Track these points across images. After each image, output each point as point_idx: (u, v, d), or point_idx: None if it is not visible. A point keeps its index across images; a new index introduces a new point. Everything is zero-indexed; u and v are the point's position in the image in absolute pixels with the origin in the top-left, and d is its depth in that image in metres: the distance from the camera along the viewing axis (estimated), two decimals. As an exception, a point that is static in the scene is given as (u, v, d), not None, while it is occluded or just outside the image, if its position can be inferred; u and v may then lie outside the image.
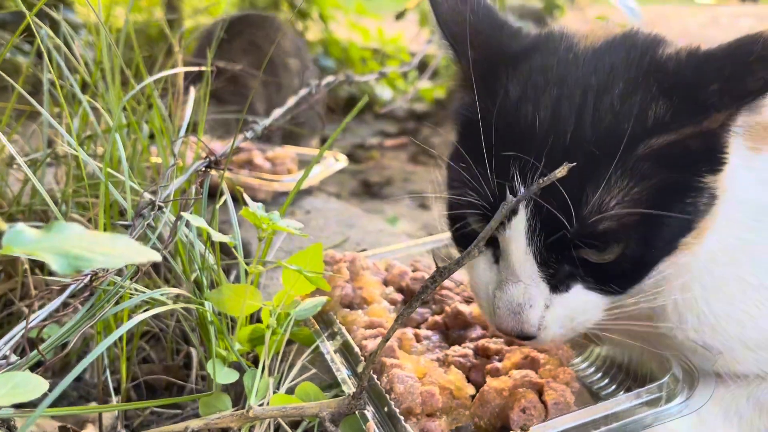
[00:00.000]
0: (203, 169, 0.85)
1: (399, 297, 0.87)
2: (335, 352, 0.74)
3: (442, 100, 3.81)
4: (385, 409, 0.64)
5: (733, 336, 0.67)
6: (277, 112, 1.03)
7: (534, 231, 0.58)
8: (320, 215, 1.32)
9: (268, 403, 0.67)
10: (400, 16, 2.77)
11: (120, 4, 4.62)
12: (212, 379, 0.69)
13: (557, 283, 0.61)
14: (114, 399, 0.81)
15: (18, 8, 0.89)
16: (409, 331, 0.79)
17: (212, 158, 0.84)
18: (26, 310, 0.85)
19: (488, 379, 0.69)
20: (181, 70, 1.02)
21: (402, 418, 0.63)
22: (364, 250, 1.01)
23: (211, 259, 0.78)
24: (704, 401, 0.63)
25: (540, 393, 0.67)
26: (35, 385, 0.45)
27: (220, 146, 1.43)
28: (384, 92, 3.85)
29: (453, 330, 0.82)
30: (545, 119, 0.59)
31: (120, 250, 0.38)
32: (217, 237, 0.69)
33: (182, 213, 0.70)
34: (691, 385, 0.64)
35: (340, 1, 4.23)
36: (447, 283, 0.91)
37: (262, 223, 0.71)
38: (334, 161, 1.47)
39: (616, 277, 0.61)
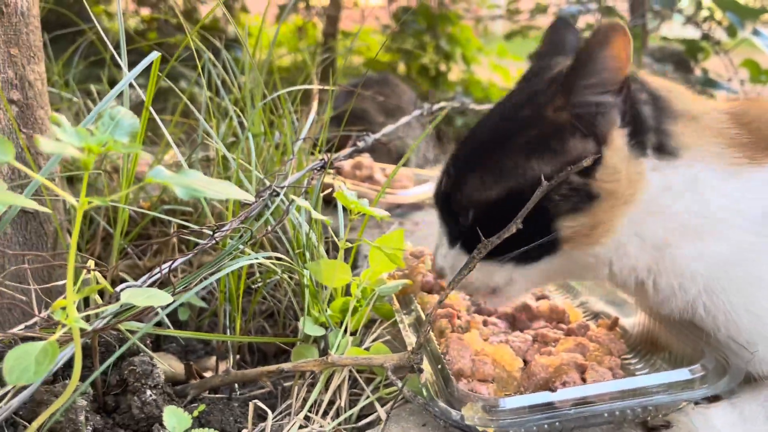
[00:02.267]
0: (318, 168, 1.01)
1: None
2: (409, 325, 0.86)
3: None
4: (439, 367, 0.75)
5: (757, 333, 0.72)
6: (388, 128, 1.18)
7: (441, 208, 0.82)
8: (427, 227, 1.45)
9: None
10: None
11: (283, 45, 5.09)
12: (305, 333, 0.83)
13: (451, 242, 0.81)
14: (231, 357, 0.98)
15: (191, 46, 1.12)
16: (479, 317, 0.89)
17: (324, 161, 1.00)
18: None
19: (537, 356, 0.78)
20: (301, 87, 1.19)
21: (454, 378, 0.73)
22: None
23: (314, 237, 0.93)
24: (733, 393, 0.68)
25: (583, 372, 0.75)
26: (162, 297, 0.61)
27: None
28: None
29: (520, 320, 0.91)
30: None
31: (223, 189, 0.53)
32: (315, 215, 0.83)
33: (293, 197, 0.85)
34: (720, 375, 0.69)
35: (483, 43, 4.40)
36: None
37: (350, 204, 0.85)
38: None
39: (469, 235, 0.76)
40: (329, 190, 1.35)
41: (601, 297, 0.99)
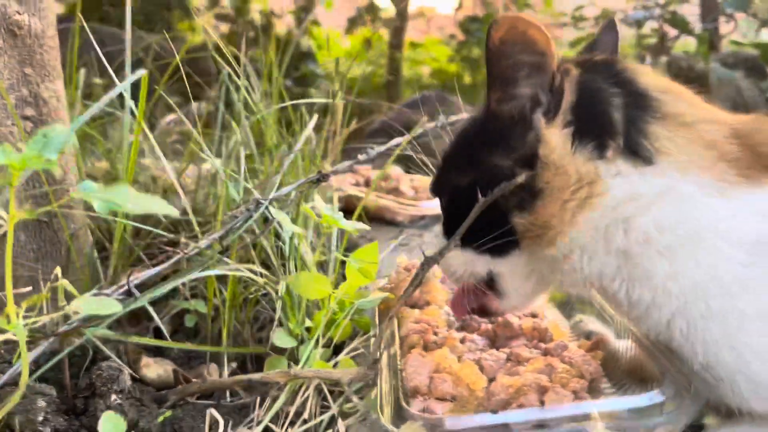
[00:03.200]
0: (314, 181, 1.02)
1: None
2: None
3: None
4: (395, 383, 0.75)
5: (735, 368, 0.67)
6: (396, 141, 1.18)
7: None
8: (447, 239, 1.43)
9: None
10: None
11: (354, 57, 5.18)
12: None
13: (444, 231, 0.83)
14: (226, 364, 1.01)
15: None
16: (457, 334, 0.88)
17: (321, 173, 1.01)
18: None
19: (499, 376, 0.76)
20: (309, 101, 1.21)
21: (409, 395, 0.73)
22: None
23: (303, 249, 0.94)
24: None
25: (543, 395, 0.72)
26: (110, 305, 0.64)
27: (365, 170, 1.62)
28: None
29: (500, 338, 0.89)
30: None
31: (145, 204, 0.56)
32: (290, 227, 0.85)
33: (274, 209, 0.87)
34: (679, 404, 0.65)
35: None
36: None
37: (324, 219, 0.86)
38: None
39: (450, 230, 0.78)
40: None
41: (596, 316, 0.96)
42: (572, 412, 0.66)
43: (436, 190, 0.84)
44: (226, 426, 0.77)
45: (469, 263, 0.79)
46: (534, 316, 0.95)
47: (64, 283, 0.69)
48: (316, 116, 1.18)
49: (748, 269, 0.66)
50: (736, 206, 0.67)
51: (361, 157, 1.13)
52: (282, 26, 5.23)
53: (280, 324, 0.88)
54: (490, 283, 0.80)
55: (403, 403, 0.71)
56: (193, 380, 0.92)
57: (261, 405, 0.87)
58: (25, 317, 0.61)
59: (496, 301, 0.82)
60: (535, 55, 0.68)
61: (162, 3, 4.95)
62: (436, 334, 0.87)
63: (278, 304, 0.87)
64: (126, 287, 0.76)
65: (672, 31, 2.74)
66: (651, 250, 0.69)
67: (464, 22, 4.34)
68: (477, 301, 0.84)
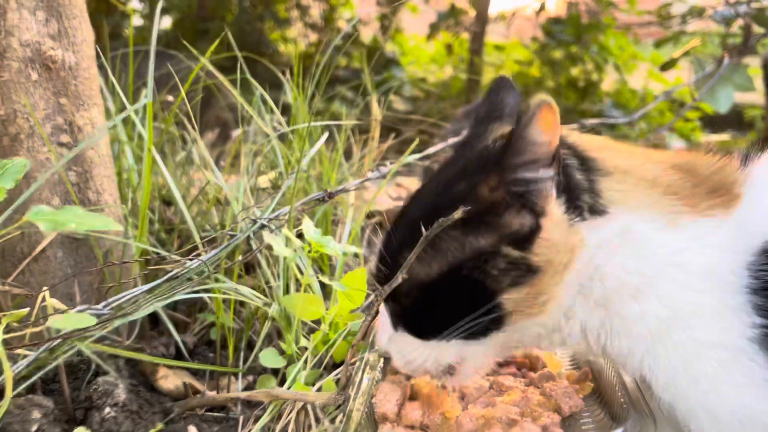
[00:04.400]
0: (320, 199, 1.05)
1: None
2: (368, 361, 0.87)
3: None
4: (366, 410, 0.76)
5: (695, 400, 0.64)
6: (412, 157, 1.18)
7: None
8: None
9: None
10: (667, 66, 2.65)
11: (437, 62, 5.18)
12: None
13: (395, 324, 0.76)
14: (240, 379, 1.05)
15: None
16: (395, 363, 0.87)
17: (327, 192, 1.03)
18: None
19: (471, 407, 0.75)
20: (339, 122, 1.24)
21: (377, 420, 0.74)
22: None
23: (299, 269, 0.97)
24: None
25: (511, 428, 0.71)
26: (86, 320, 0.69)
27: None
28: (673, 143, 3.64)
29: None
30: None
31: (90, 222, 0.60)
32: (281, 251, 0.88)
33: (267, 231, 0.90)
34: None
35: (639, 50, 4.14)
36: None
37: (311, 244, 0.88)
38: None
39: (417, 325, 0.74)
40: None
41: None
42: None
43: (392, 297, 0.75)
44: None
45: (436, 354, 0.74)
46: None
47: (52, 302, 0.75)
48: (326, 134, 1.20)
49: (701, 297, 0.66)
50: (686, 237, 0.68)
51: (371, 174, 1.14)
52: (368, 33, 5.32)
53: (270, 343, 0.91)
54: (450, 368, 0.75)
55: (383, 428, 0.73)
56: (199, 394, 0.97)
57: (255, 421, 0.91)
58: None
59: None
60: (550, 137, 0.67)
61: (255, 15, 5.15)
62: (425, 359, 0.87)
63: (266, 324, 0.90)
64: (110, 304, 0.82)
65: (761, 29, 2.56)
66: (624, 295, 0.69)
67: (546, 24, 4.23)
68: None
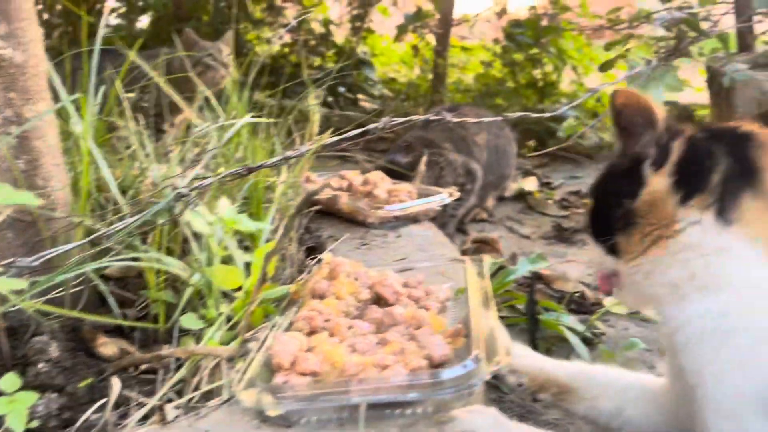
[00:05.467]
0: (240, 175, 1.16)
1: (368, 296, 1.08)
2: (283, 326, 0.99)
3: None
4: (262, 359, 0.88)
5: (710, 394, 0.83)
6: (328, 140, 1.31)
7: None
8: (407, 240, 1.55)
9: (210, 347, 0.95)
10: (605, 66, 2.81)
11: (408, 63, 5.29)
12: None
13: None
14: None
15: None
16: (345, 321, 1.00)
17: (247, 168, 1.14)
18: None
19: (352, 355, 0.88)
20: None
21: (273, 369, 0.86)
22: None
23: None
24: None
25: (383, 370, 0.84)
26: (17, 283, 0.80)
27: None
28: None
29: (384, 325, 1.00)
30: None
31: (14, 197, 0.72)
32: (196, 226, 0.99)
33: (188, 203, 1.02)
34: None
35: (595, 52, 4.29)
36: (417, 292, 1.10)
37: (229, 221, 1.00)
38: (447, 197, 1.70)
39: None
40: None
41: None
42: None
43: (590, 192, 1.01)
44: (132, 391, 0.92)
45: (601, 257, 0.96)
46: (426, 309, 1.05)
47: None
48: (247, 118, 1.31)
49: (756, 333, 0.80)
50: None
51: (290, 153, 1.25)
52: (341, 35, 5.44)
53: (193, 309, 1.02)
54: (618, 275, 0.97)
55: (276, 376, 0.85)
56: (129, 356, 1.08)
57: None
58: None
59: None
60: (644, 119, 0.87)
61: (231, 15, 5.23)
62: (327, 321, 0.99)
63: (187, 291, 1.02)
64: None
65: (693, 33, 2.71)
66: (690, 288, 0.84)
67: (508, 27, 4.37)
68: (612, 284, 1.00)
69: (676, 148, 0.87)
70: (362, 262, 1.42)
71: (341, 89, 4.87)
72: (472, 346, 0.86)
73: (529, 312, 1.69)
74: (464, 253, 2.36)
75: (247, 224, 1.01)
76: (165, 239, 1.07)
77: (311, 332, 0.97)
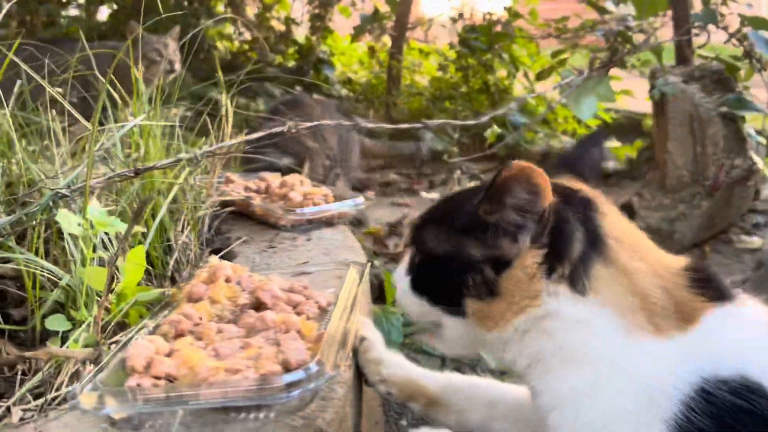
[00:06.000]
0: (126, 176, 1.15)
1: (248, 301, 1.09)
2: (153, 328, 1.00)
3: (633, 159, 3.70)
4: (117, 362, 0.88)
5: None
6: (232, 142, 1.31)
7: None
8: (315, 243, 1.55)
9: (74, 349, 0.95)
10: (542, 75, 2.85)
11: (365, 64, 5.29)
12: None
13: (408, 269, 0.96)
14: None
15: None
16: (215, 325, 1.00)
17: (135, 169, 1.14)
18: None
19: (207, 360, 0.88)
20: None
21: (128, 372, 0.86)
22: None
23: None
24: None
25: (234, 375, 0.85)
26: None
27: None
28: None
29: (254, 330, 1.00)
30: None
31: None
32: (68, 227, 0.99)
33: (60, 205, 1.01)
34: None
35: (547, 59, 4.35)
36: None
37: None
38: (363, 201, 1.72)
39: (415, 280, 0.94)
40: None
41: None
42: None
43: (415, 241, 0.96)
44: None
45: (424, 310, 0.93)
46: (299, 313, 1.06)
47: None
48: (140, 118, 1.31)
49: (631, 409, 0.77)
50: (637, 350, 0.79)
51: (182, 155, 1.25)
52: (302, 33, 5.43)
53: (67, 311, 1.02)
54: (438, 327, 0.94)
55: (97, 379, 0.85)
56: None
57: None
58: None
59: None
60: (533, 195, 0.80)
61: (191, 10, 5.18)
62: (197, 325, 1.00)
63: (55, 292, 1.01)
64: None
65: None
66: (555, 359, 0.83)
67: (462, 32, 4.41)
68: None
69: (549, 219, 0.83)
70: (266, 265, 1.44)
71: (297, 88, 4.86)
72: (321, 350, 0.87)
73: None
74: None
75: (118, 226, 1.00)
76: (41, 240, 1.06)
77: (178, 336, 0.97)
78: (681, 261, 0.87)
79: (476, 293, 0.85)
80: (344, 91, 5.23)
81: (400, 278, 0.97)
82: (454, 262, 0.86)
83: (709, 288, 0.83)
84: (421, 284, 0.93)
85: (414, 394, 1.04)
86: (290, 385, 0.80)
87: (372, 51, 4.92)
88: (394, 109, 4.52)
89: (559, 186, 0.85)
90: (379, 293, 1.87)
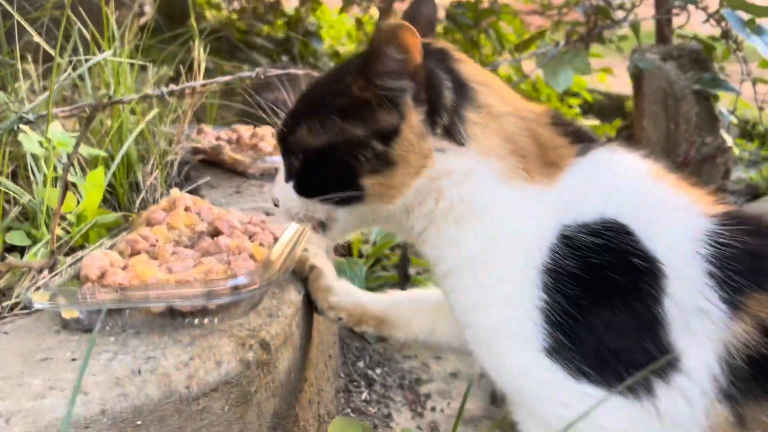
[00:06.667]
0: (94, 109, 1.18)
1: (206, 229, 1.13)
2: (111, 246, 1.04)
3: (612, 139, 3.75)
4: (72, 271, 0.92)
5: (482, 339, 0.84)
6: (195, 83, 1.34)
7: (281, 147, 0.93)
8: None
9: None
10: (520, 47, 2.88)
11: (353, 36, 5.29)
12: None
13: (287, 177, 0.91)
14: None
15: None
16: (171, 247, 1.04)
17: (98, 103, 1.17)
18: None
19: (159, 273, 0.93)
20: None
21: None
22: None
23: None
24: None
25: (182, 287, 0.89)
26: None
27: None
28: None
29: (209, 253, 1.05)
30: None
31: None
32: (29, 148, 1.02)
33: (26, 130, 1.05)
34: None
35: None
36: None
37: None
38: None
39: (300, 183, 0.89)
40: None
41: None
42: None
43: (286, 145, 0.91)
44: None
45: (311, 209, 0.90)
46: (254, 241, 1.10)
47: None
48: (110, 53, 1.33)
49: (510, 254, 0.80)
50: (514, 197, 0.81)
51: (151, 91, 1.28)
52: (291, 4, 5.42)
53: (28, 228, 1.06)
54: (322, 222, 0.92)
55: (84, 286, 0.89)
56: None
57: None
58: None
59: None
60: (404, 53, 0.78)
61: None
62: (153, 246, 1.04)
63: (15, 210, 1.05)
64: None
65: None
66: (449, 218, 0.84)
67: (450, 7, 4.42)
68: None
69: (423, 74, 0.81)
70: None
71: (284, 58, 4.87)
72: (262, 265, 0.92)
73: (401, 270, 1.77)
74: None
75: (85, 150, 1.04)
76: (6, 161, 1.10)
77: (133, 254, 1.01)
78: (542, 106, 0.89)
79: (372, 169, 0.82)
80: (332, 64, 5.24)
81: (281, 190, 0.92)
82: (341, 149, 0.83)
83: (571, 130, 0.85)
84: (307, 185, 0.88)
85: (363, 317, 1.08)
86: (233, 288, 0.84)
87: (359, 23, 4.92)
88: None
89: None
90: (348, 249, 1.92)
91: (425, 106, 0.82)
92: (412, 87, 0.81)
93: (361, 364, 1.56)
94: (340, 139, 0.84)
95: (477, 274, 0.82)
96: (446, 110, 0.82)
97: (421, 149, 0.82)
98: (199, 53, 1.64)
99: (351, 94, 0.83)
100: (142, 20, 2.80)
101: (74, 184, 1.11)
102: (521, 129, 0.84)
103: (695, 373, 0.72)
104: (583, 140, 0.85)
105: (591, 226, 0.77)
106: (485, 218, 0.82)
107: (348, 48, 5.49)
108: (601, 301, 0.75)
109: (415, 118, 0.81)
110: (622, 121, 3.78)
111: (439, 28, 4.57)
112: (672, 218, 0.79)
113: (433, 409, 1.43)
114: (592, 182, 0.82)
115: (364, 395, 1.45)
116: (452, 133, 0.82)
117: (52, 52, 1.15)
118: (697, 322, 0.72)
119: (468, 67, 0.86)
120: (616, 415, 0.74)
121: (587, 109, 4.41)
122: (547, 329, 0.76)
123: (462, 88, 0.83)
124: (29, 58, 1.56)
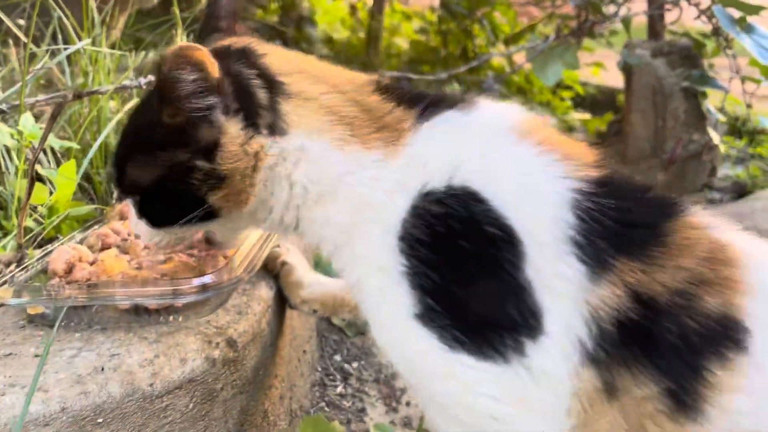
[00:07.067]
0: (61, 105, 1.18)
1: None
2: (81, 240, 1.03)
3: (603, 132, 3.75)
4: (40, 266, 0.92)
5: (368, 307, 0.82)
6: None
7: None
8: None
9: (2, 254, 0.98)
10: (510, 39, 2.88)
11: (346, 23, 5.27)
12: None
13: (138, 213, 0.89)
14: None
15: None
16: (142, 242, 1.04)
17: (74, 93, 1.16)
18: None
19: (129, 270, 0.93)
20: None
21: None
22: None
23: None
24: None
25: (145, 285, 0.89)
26: None
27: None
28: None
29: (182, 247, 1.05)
30: None
31: None
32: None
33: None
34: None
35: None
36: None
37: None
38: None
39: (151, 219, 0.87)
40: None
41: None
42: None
43: (123, 189, 0.90)
44: None
45: (176, 233, 0.89)
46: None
47: None
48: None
49: (369, 225, 0.80)
50: (351, 163, 0.81)
51: (127, 82, 1.27)
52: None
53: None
54: (207, 237, 0.94)
55: (52, 281, 0.89)
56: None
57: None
58: None
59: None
60: (199, 72, 0.78)
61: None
62: (125, 240, 1.04)
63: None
64: None
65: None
66: (309, 200, 0.84)
67: (444, -4, 4.40)
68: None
69: (228, 86, 0.81)
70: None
71: (278, 43, 4.84)
72: (229, 264, 0.92)
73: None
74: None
75: (54, 142, 1.03)
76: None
77: (104, 248, 1.01)
78: (366, 76, 0.88)
79: (210, 186, 0.82)
80: (325, 51, 5.21)
81: (138, 228, 0.90)
82: (173, 178, 0.82)
83: (400, 93, 0.84)
84: (159, 219, 0.88)
85: (337, 306, 1.08)
86: (200, 287, 0.84)
87: (353, 10, 4.90)
88: (371, 70, 4.52)
89: (212, 51, 0.82)
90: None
91: (240, 114, 0.81)
92: (220, 100, 0.80)
93: (338, 357, 1.56)
94: (168, 169, 0.82)
95: (354, 246, 0.81)
96: (264, 108, 0.82)
97: (249, 155, 0.81)
98: (182, 40, 1.63)
99: (163, 123, 0.82)
100: (147, 6, 2.77)
101: (45, 177, 1.10)
102: (343, 101, 0.83)
103: (558, 336, 0.70)
104: (419, 102, 0.84)
105: (435, 194, 0.76)
106: (338, 191, 0.81)
107: (342, 34, 5.46)
108: (459, 269, 0.73)
109: (233, 128, 0.81)
110: (613, 114, 3.78)
111: (432, 17, 4.56)
112: (532, 183, 0.77)
113: (407, 404, 1.44)
114: (441, 147, 0.80)
115: (339, 389, 1.45)
116: (275, 129, 0.82)
117: (25, 39, 1.14)
118: (561, 286, 0.71)
119: (275, 59, 0.85)
120: (492, 382, 0.72)
121: (579, 102, 4.41)
122: (415, 294, 0.74)
123: (273, 84, 0.83)
124: (10, 42, 1.55)
